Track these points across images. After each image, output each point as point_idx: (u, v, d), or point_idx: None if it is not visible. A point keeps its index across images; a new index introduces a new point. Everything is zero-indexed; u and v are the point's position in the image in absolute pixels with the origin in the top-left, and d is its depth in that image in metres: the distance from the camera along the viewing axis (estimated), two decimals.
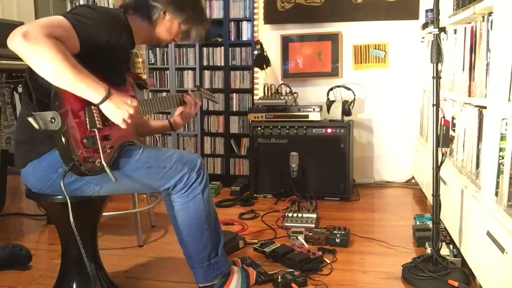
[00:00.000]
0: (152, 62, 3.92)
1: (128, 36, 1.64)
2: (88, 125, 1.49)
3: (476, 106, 2.00)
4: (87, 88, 1.40)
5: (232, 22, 3.74)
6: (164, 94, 3.90)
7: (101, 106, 1.46)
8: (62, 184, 1.46)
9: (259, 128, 3.45)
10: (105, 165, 1.50)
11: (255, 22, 3.73)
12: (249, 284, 1.94)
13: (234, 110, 3.81)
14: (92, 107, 1.49)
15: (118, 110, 1.47)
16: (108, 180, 1.52)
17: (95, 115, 1.50)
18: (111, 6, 3.67)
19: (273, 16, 3.84)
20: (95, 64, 1.49)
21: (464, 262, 2.01)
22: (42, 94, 1.45)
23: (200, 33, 1.83)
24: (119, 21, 1.60)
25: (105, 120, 1.53)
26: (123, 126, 1.51)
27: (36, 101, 1.47)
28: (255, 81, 3.80)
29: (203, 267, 1.79)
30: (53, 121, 1.39)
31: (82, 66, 1.39)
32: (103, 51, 1.52)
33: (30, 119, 1.42)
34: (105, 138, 1.55)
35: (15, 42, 1.31)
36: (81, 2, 3.90)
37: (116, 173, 1.56)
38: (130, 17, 1.69)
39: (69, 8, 3.33)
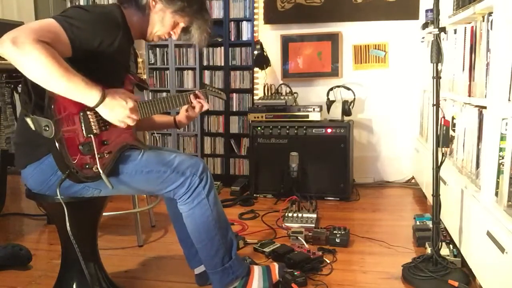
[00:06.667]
0: (152, 62, 3.92)
1: (125, 34, 1.56)
2: (84, 131, 1.47)
3: (476, 106, 1.99)
4: (80, 92, 1.36)
5: (232, 22, 3.74)
6: (164, 94, 3.90)
7: (97, 109, 1.43)
8: (58, 191, 1.44)
9: (259, 128, 3.45)
10: (101, 172, 1.48)
11: (255, 22, 3.73)
12: (271, 279, 1.83)
13: (234, 110, 3.81)
14: (88, 112, 1.47)
15: (114, 112, 1.44)
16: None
17: (91, 120, 1.48)
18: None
19: (273, 16, 3.84)
20: (91, 67, 1.46)
21: (464, 262, 2.01)
22: (39, 96, 1.42)
23: (202, 30, 1.71)
24: (113, 21, 1.53)
25: (102, 124, 1.51)
26: (121, 125, 1.49)
27: (34, 102, 1.45)
28: (255, 81, 3.80)
29: (217, 272, 1.73)
30: (47, 129, 1.38)
31: (75, 70, 1.35)
32: (97, 54, 1.47)
33: (28, 119, 1.41)
34: (103, 143, 1.52)
35: (4, 48, 1.28)
36: (81, 2, 3.90)
37: (115, 177, 1.54)
38: (126, 11, 1.61)
39: None
